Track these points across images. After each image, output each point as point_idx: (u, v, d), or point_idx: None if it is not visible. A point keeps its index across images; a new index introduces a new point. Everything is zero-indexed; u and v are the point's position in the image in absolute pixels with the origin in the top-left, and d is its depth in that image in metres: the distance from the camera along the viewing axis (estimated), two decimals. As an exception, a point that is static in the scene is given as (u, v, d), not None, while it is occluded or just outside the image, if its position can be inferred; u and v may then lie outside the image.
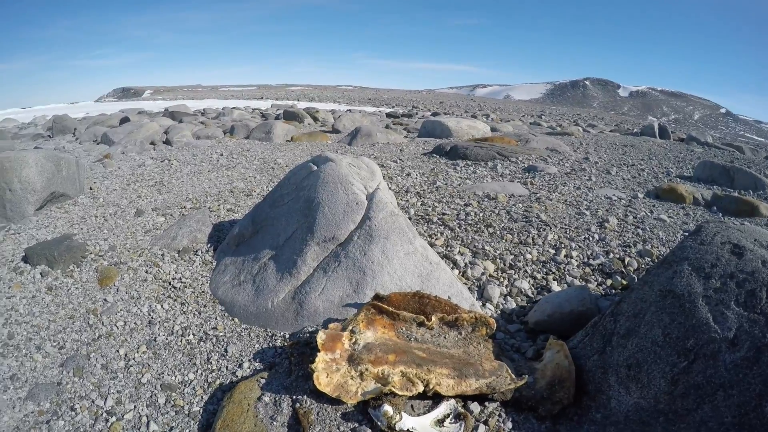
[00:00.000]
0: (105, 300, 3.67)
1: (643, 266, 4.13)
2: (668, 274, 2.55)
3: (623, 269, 4.08)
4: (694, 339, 2.16)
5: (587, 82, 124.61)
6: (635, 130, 19.88)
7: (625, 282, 3.85)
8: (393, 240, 3.51)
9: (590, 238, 4.72)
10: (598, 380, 2.49)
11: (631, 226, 5.13)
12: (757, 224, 5.40)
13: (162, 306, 3.63)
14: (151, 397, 2.77)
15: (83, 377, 2.88)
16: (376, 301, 2.97)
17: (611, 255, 4.32)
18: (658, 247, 4.49)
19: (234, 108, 27.75)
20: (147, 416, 2.64)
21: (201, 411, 2.71)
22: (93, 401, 2.71)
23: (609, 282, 3.88)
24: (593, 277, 3.99)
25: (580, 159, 9.29)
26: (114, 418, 2.60)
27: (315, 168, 4.35)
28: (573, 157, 9.43)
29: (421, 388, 2.42)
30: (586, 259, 4.27)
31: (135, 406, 2.70)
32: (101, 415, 2.62)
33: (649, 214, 5.61)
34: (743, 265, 2.30)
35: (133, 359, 3.06)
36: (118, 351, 3.12)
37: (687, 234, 2.83)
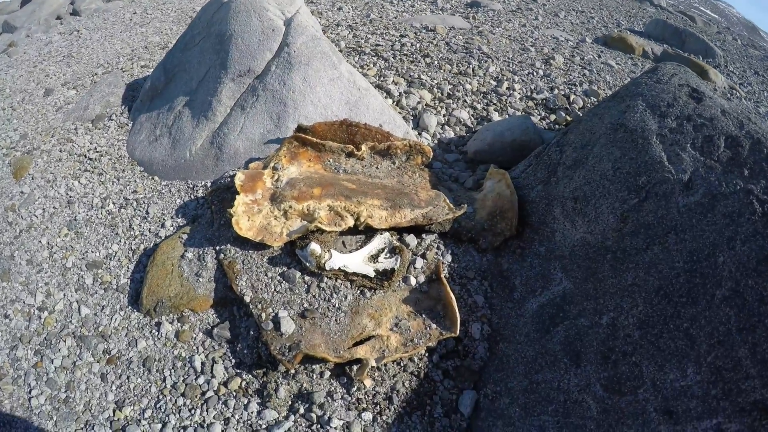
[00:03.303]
0: (21, 192, 3.35)
1: (588, 105, 3.97)
2: (620, 108, 2.36)
3: (568, 106, 3.93)
4: (647, 176, 2.05)
5: None
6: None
7: (569, 118, 3.70)
8: (315, 66, 3.12)
9: (534, 74, 4.54)
10: (542, 212, 2.37)
11: (578, 66, 4.96)
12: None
13: (79, 182, 3.32)
14: (78, 280, 2.60)
15: (11, 279, 2.67)
16: (299, 133, 2.63)
17: (556, 91, 4.19)
18: (604, 90, 4.34)
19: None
20: (77, 301, 2.50)
21: (128, 282, 2.54)
22: (24, 302, 2.54)
23: (553, 117, 3.74)
24: (536, 111, 3.85)
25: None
26: (46, 313, 2.47)
27: (226, -1, 3.74)
28: (520, -4, 8.72)
29: (351, 222, 2.17)
30: (529, 93, 4.13)
31: (64, 295, 2.55)
32: (33, 313, 2.48)
33: (597, 57, 5.43)
34: (702, 110, 2.13)
35: (56, 245, 2.84)
36: (40, 241, 2.89)
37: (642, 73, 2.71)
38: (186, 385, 2.10)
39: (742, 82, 6.26)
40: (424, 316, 2.02)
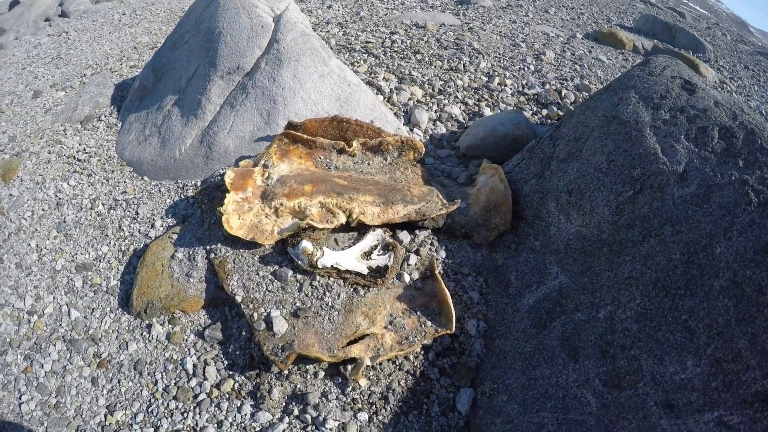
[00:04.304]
0: (10, 195, 3.29)
1: (580, 99, 3.93)
2: (613, 101, 2.32)
3: (560, 101, 3.91)
4: (641, 168, 2.02)
5: None
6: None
7: (561, 113, 3.66)
8: (305, 62, 3.07)
9: (526, 69, 4.55)
10: (537, 206, 2.33)
11: (569, 61, 4.99)
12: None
13: (68, 183, 3.27)
14: (67, 283, 2.56)
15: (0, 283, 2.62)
16: (289, 130, 2.57)
17: (547, 86, 4.17)
18: (596, 85, 4.33)
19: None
20: (67, 304, 2.46)
21: (119, 284, 2.50)
22: (13, 305, 2.49)
23: (544, 112, 3.72)
24: (528, 106, 3.82)
25: (518, -4, 8.59)
26: (35, 317, 2.42)
27: (215, -4, 3.70)
28: (510, -6, 8.73)
29: (343, 219, 2.13)
30: (521, 88, 4.11)
31: (54, 298, 2.50)
32: (23, 317, 2.43)
33: (588, 53, 5.46)
34: (695, 101, 2.11)
35: (45, 248, 2.79)
36: (29, 244, 2.83)
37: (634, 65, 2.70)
38: (178, 388, 2.05)
39: (732, 76, 6.25)
40: (418, 313, 1.99)
